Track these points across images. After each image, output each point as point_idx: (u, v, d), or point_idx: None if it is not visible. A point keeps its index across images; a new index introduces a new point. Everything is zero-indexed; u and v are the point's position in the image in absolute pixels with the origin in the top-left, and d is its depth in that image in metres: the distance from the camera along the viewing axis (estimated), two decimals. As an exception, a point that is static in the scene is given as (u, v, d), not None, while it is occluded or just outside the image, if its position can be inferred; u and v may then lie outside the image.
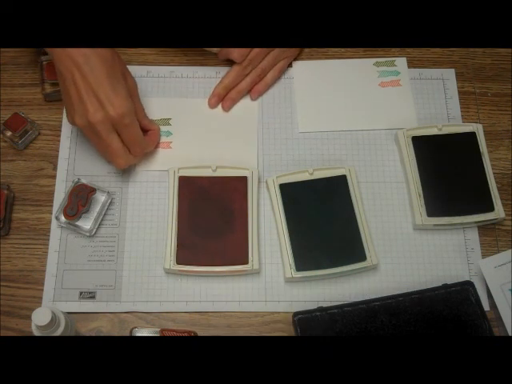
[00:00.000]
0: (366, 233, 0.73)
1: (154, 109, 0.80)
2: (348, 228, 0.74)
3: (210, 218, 0.74)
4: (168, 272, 0.72)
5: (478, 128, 0.79)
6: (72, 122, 0.71)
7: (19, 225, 0.74)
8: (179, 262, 0.71)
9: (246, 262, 0.71)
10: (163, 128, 0.80)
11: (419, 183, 0.76)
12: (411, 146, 0.78)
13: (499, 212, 0.75)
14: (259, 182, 0.77)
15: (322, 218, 0.74)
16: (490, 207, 0.75)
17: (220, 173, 0.76)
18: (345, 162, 0.79)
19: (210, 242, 0.72)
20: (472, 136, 0.78)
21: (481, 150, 0.78)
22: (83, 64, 0.67)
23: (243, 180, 0.76)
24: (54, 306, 0.70)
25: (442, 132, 0.79)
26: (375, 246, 0.74)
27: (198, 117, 0.81)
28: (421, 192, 0.75)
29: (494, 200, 0.75)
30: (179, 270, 0.71)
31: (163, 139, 0.79)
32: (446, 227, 0.75)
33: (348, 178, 0.76)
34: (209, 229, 0.73)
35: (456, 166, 0.77)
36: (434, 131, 0.79)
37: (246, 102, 0.82)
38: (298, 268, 0.71)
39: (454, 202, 0.75)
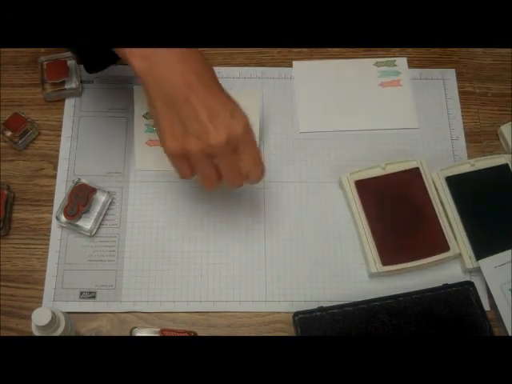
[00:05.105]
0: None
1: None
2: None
3: (397, 215, 0.74)
4: (375, 276, 0.72)
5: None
6: (174, 148, 0.60)
7: (19, 225, 0.74)
8: (385, 263, 0.72)
9: (448, 249, 0.72)
10: None
11: None
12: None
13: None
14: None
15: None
16: None
17: (389, 169, 0.77)
18: (348, 162, 0.79)
19: (406, 237, 0.73)
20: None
21: None
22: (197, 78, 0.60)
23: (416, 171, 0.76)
24: (54, 306, 0.70)
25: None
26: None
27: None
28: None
29: None
30: (386, 272, 0.72)
31: None
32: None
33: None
34: (400, 225, 0.74)
35: None
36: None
37: (246, 102, 0.81)
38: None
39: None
